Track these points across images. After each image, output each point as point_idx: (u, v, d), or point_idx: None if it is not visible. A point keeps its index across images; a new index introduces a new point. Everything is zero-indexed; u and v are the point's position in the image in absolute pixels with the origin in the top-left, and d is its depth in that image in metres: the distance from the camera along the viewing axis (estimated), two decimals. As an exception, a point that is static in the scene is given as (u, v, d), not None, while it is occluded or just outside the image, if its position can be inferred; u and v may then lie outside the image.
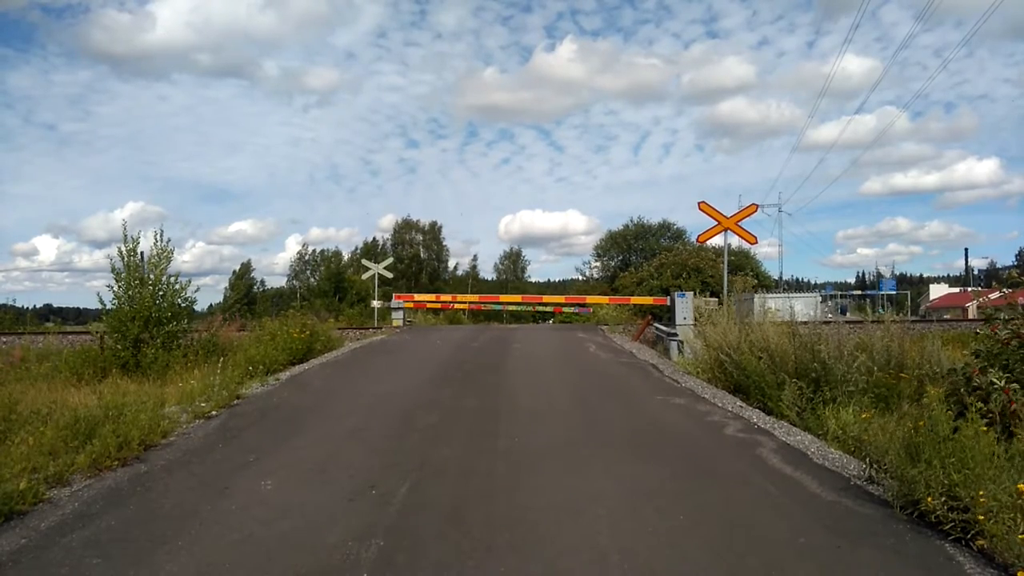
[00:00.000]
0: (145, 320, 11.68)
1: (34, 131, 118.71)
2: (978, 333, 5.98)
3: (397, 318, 21.74)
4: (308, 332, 13.33)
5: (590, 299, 27.13)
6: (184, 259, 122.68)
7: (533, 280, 78.67)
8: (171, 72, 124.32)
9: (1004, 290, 6.55)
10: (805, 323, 9.51)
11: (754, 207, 18.05)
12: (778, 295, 31.02)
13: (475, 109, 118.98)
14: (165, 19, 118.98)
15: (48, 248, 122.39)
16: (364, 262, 31.32)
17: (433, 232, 71.21)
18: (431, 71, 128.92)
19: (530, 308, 32.42)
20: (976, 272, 61.87)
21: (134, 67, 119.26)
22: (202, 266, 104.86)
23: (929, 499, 4.03)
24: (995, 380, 5.21)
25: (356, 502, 4.65)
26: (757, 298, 16.94)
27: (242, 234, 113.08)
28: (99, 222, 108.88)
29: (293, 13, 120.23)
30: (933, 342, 8.18)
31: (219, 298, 62.75)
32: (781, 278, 54.14)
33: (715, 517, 4.33)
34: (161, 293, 12.15)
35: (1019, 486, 3.83)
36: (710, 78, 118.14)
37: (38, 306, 78.14)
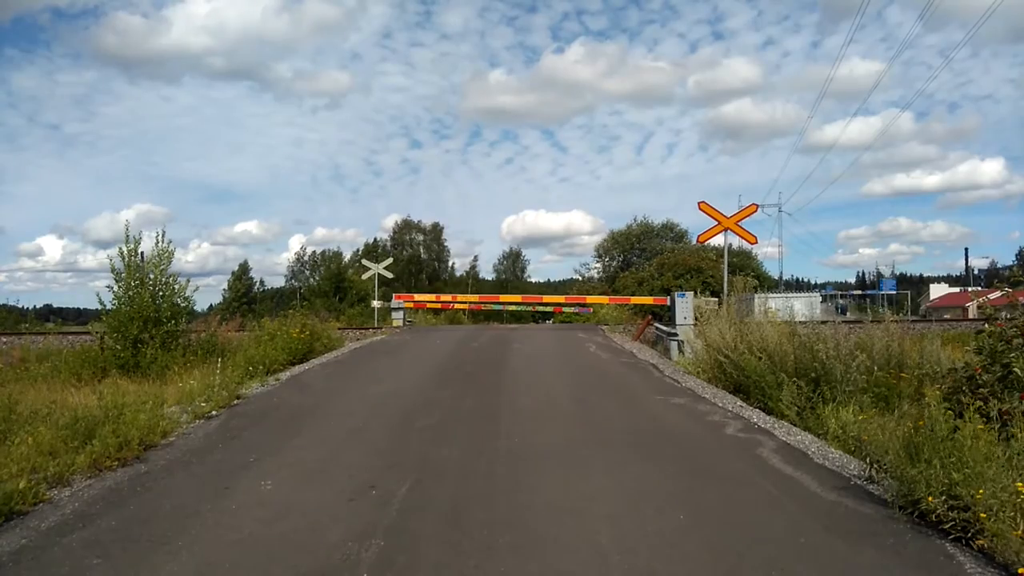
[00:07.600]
0: (144, 320, 11.68)
1: (39, 131, 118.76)
2: (981, 330, 5.93)
3: (397, 318, 21.71)
4: (308, 332, 13.34)
5: (590, 299, 27.14)
6: (188, 259, 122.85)
7: (533, 280, 78.73)
8: (183, 75, 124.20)
9: (1006, 288, 6.50)
10: (804, 323, 9.52)
11: (754, 207, 18.12)
12: (778, 295, 31.01)
13: (479, 110, 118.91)
14: (179, 23, 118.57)
15: (53, 248, 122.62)
16: (364, 262, 31.31)
17: (435, 233, 71.25)
18: (436, 72, 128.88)
19: (530, 308, 32.40)
20: (976, 272, 61.78)
21: (146, 70, 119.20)
22: (206, 266, 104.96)
23: (929, 498, 4.03)
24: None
25: (356, 502, 4.65)
26: (757, 298, 16.93)
27: (247, 234, 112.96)
28: (104, 223, 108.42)
29: (305, 17, 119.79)
30: (933, 342, 8.18)
31: (221, 298, 62.85)
32: (781, 278, 54.18)
33: (715, 517, 4.33)
34: (161, 293, 12.16)
35: (1018, 485, 3.83)
36: (715, 79, 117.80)
37: (39, 306, 78.31)
